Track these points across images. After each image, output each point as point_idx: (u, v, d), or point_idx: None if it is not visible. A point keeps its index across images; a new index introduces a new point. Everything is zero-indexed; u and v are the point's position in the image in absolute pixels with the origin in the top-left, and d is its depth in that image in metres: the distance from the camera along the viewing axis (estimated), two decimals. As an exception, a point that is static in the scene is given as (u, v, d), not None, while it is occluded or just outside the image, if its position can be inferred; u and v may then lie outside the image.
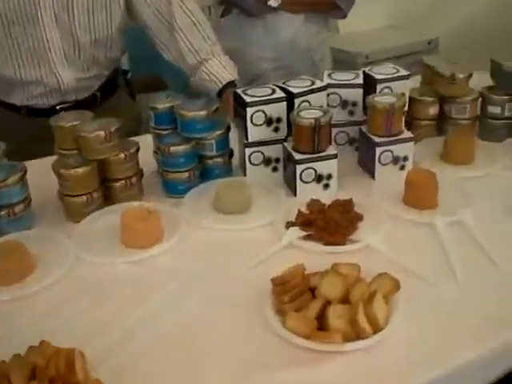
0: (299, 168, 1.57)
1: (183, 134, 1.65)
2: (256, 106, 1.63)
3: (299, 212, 1.49)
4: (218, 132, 1.68)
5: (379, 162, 1.66)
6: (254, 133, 1.66)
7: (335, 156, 1.58)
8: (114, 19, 1.86)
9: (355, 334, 1.08)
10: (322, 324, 1.10)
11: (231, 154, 1.75)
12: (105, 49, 1.91)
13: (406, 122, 1.71)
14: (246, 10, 2.36)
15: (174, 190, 1.66)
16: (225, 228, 1.50)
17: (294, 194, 1.61)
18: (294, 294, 1.15)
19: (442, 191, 1.53)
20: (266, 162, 1.71)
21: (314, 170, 1.58)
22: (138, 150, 1.61)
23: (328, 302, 1.13)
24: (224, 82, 1.89)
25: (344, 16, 2.41)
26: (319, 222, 1.44)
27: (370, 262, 1.26)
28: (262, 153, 1.69)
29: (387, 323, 1.10)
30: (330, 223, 1.43)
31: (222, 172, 1.72)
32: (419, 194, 1.52)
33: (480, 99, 1.84)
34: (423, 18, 3.87)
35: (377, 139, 1.65)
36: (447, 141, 1.75)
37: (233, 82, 1.90)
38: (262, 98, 1.63)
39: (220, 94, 1.89)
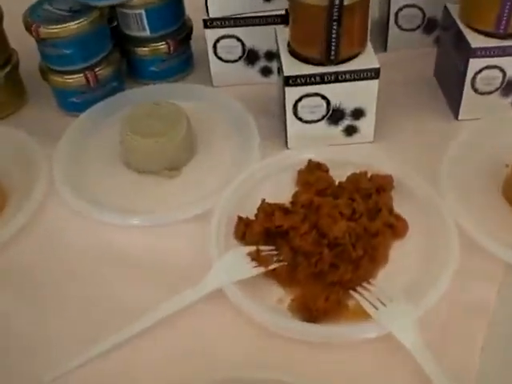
0: (291, 93, 0.73)
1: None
2: None
3: (261, 205, 0.69)
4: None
5: (472, 87, 0.78)
6: (223, 1, 0.81)
7: (375, 73, 0.72)
8: None
9: None
10: None
11: (187, 34, 0.91)
12: None
13: None
14: None
15: (63, 102, 0.88)
16: (115, 221, 0.72)
17: (286, 144, 0.79)
18: None
19: None
20: (249, 56, 0.87)
21: (324, 97, 0.74)
22: None
23: None
24: None
25: None
26: (295, 238, 0.64)
27: None
28: (240, 39, 0.85)
29: None
30: (320, 245, 0.63)
31: (166, 71, 0.91)
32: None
33: None
34: None
35: (474, 40, 0.76)
36: None
37: None
38: None
39: None
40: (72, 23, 0.80)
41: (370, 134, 0.78)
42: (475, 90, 0.79)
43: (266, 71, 0.89)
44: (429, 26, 0.92)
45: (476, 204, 0.70)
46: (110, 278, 0.67)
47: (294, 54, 0.74)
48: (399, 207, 0.70)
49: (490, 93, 0.80)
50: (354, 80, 0.72)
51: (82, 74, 0.84)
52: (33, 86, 0.92)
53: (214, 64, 0.88)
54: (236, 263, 0.63)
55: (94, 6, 0.81)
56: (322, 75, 0.72)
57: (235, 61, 0.87)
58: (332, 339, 0.58)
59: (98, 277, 0.67)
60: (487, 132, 0.78)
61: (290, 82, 0.72)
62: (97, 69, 0.84)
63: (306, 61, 0.73)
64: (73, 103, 0.86)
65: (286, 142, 0.78)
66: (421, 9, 0.90)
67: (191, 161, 0.78)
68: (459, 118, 0.82)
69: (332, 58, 0.71)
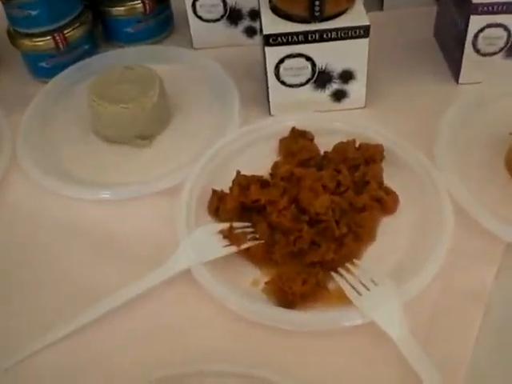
0: (273, 54, 0.67)
1: None
2: None
3: (236, 178, 0.62)
4: None
5: (474, 47, 0.72)
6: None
7: (365, 31, 0.65)
8: None
9: None
10: None
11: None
12: None
13: None
14: None
15: (33, 68, 0.82)
16: (80, 195, 0.66)
17: (269, 111, 0.72)
18: None
19: None
20: (231, 15, 0.80)
21: (309, 58, 0.67)
22: None
23: None
24: None
25: None
26: (272, 214, 0.58)
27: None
28: (221, -2, 0.79)
29: None
30: (299, 222, 0.57)
31: (142, 32, 0.85)
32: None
33: None
34: None
35: (476, -6, 0.69)
36: None
37: None
38: None
39: None
40: (38, -19, 0.73)
41: (360, 99, 0.72)
42: (477, 51, 0.73)
43: (250, 31, 0.82)
44: (428, -19, 0.85)
45: (476, 177, 0.63)
46: (74, 255, 0.62)
47: (275, 10, 0.67)
48: (390, 180, 0.63)
49: (493, 54, 0.73)
50: (342, 39, 0.66)
51: (50, 37, 0.78)
52: (2, 52, 0.86)
53: (194, 24, 0.81)
54: (206, 241, 0.58)
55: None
56: (305, 33, 0.65)
57: (217, 20, 0.81)
58: (308, 327, 0.52)
59: (61, 254, 0.62)
60: (490, 97, 0.71)
61: (271, 41, 0.65)
62: (66, 31, 0.78)
63: (288, 18, 0.66)
64: (43, 68, 0.81)
65: (269, 108, 0.72)
66: (420, -37, 0.83)
67: (165, 129, 0.72)
68: (460, 81, 0.75)
69: (316, 14, 0.64)
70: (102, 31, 0.86)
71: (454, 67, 0.76)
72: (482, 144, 0.67)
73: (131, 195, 0.65)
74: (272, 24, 0.66)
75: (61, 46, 0.78)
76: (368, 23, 0.65)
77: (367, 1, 0.82)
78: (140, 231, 0.63)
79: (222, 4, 0.79)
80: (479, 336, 0.52)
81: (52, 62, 0.80)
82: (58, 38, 0.77)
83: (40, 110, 0.75)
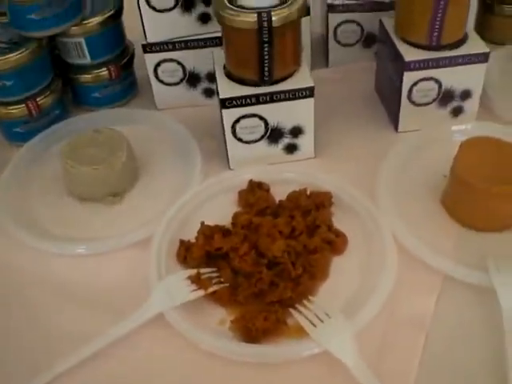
0: (229, 115, 0.74)
1: (14, 29, 0.82)
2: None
3: (201, 228, 0.69)
4: (94, 21, 0.84)
5: (409, 99, 0.80)
6: (160, 25, 0.82)
7: (310, 92, 0.73)
8: None
9: None
10: None
11: (129, 60, 0.92)
12: None
13: (482, 4, 0.94)
14: None
15: (7, 133, 0.88)
16: (57, 250, 0.72)
17: (228, 165, 0.79)
18: None
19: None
20: (190, 79, 0.87)
21: (262, 118, 0.75)
22: None
23: None
24: None
25: None
26: (235, 260, 0.64)
27: None
28: (180, 62, 0.86)
29: None
30: (259, 265, 0.64)
31: (109, 97, 0.92)
32: (484, 199, 0.67)
33: None
34: None
35: (407, 53, 0.77)
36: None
37: None
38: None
39: None
40: (12, 55, 0.80)
41: (310, 151, 0.79)
42: (412, 103, 0.80)
43: (208, 92, 0.89)
44: (368, 40, 0.93)
45: (415, 216, 0.71)
46: (51, 305, 0.66)
47: (229, 75, 0.75)
48: (339, 223, 0.70)
49: (427, 104, 0.81)
50: (290, 99, 0.73)
51: (23, 105, 0.84)
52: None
53: (157, 87, 0.88)
54: (176, 287, 0.64)
55: (33, 37, 0.81)
56: (257, 96, 0.72)
57: (177, 83, 0.88)
58: (269, 359, 0.59)
59: (38, 304, 0.67)
60: (425, 143, 0.79)
61: (227, 104, 0.73)
62: (38, 98, 0.84)
63: (241, 82, 0.74)
64: (17, 133, 0.86)
65: (228, 163, 0.79)
66: (359, 24, 0.92)
67: (134, 186, 0.78)
68: (399, 129, 0.83)
69: (266, 78, 0.72)
70: (72, 97, 0.93)
71: (393, 117, 0.84)
72: (419, 186, 0.75)
73: (105, 249, 0.71)
74: (227, 88, 0.73)
75: (34, 112, 0.84)
76: (312, 84, 0.73)
77: (314, 59, 0.91)
78: (114, 281, 0.68)
79: (181, 69, 0.86)
80: (422, 358, 0.58)
81: (26, 128, 0.85)
82: (31, 105, 0.84)
83: (16, 173, 0.80)
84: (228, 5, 0.69)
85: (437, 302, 0.63)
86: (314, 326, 0.59)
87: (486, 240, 0.68)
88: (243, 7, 0.68)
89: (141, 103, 0.93)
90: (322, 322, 0.59)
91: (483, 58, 0.78)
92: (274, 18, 0.67)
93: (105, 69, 0.89)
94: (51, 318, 0.65)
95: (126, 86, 0.93)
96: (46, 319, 0.65)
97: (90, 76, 0.89)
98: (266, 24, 0.67)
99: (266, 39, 0.68)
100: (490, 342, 0.59)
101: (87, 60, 0.87)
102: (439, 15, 0.74)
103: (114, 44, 0.89)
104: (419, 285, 0.64)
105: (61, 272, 0.70)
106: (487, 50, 0.77)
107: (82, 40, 0.85)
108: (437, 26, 0.75)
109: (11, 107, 0.84)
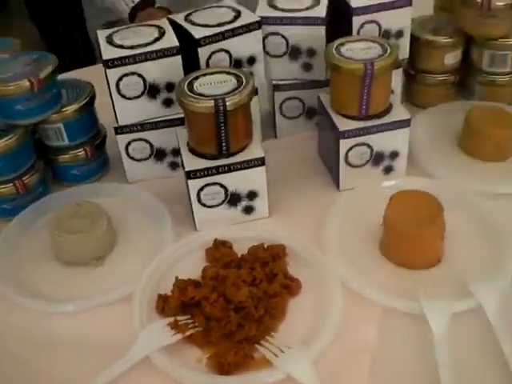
0: (194, 185, 0.86)
1: (2, 118, 0.94)
2: (123, 65, 0.90)
3: (175, 282, 0.80)
4: (70, 108, 0.97)
5: (346, 162, 0.94)
6: (129, 110, 0.95)
7: (261, 162, 0.86)
8: None
9: None
10: None
11: (102, 140, 1.04)
12: None
13: (407, 74, 1.12)
14: None
15: (-5, 210, 0.98)
16: (49, 309, 0.82)
17: (195, 227, 0.91)
18: None
19: (453, 230, 0.83)
20: (157, 154, 1.00)
21: (222, 186, 0.87)
22: None
23: None
24: None
25: None
26: (206, 307, 0.75)
27: None
28: (148, 141, 0.98)
29: None
30: (227, 310, 0.75)
31: (86, 173, 1.04)
32: (416, 239, 0.81)
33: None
34: None
35: (341, 124, 0.91)
36: (471, 117, 1.01)
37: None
38: (134, 52, 0.90)
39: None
40: (1, 141, 0.91)
41: (265, 211, 0.92)
42: (349, 164, 0.94)
43: (174, 165, 1.02)
44: (309, 113, 1.08)
45: (357, 260, 0.84)
46: (43, 358, 0.75)
47: (192, 151, 0.87)
48: (293, 270, 0.83)
49: (362, 165, 0.95)
50: (245, 168, 0.86)
51: (11, 184, 0.94)
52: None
53: (128, 163, 1.00)
54: (158, 333, 0.74)
55: (19, 125, 0.93)
56: (217, 167, 0.85)
57: (146, 159, 1.00)
58: (242, 387, 0.70)
59: (30, 356, 0.76)
60: (363, 198, 0.93)
61: (191, 175, 0.85)
62: (24, 177, 0.95)
63: (203, 156, 0.86)
64: (5, 209, 0.96)
65: (195, 225, 0.91)
66: (301, 100, 1.06)
67: (113, 250, 0.89)
68: (340, 188, 0.96)
69: (224, 152, 0.85)
70: (52, 175, 1.04)
71: (335, 177, 0.97)
72: (360, 234, 0.88)
73: (91, 306, 0.81)
74: (191, 162, 0.86)
75: (20, 190, 0.95)
76: (263, 155, 0.86)
77: (264, 131, 1.05)
78: (101, 334, 0.78)
79: (149, 146, 0.99)
80: (369, 378, 0.70)
81: (12, 204, 0.96)
82: (18, 184, 0.94)
83: (6, 245, 0.90)
84: (188, 93, 0.82)
85: (378, 330, 0.75)
86: (277, 356, 0.71)
87: (417, 276, 0.81)
88: (201, 94, 0.82)
89: (113, 178, 1.04)
90: (283, 352, 0.71)
91: (406, 123, 0.92)
92: (228, 103, 0.80)
93: (81, 149, 1.01)
94: (41, 369, 0.74)
95: (100, 164, 1.05)
96: (34, 371, 0.74)
97: (68, 156, 1.01)
98: (221, 108, 0.80)
99: (222, 121, 0.81)
100: (425, 356, 0.71)
101: (66, 142, 0.99)
102: (365, 93, 0.88)
103: (89, 127, 1.01)
104: (363, 317, 0.77)
105: (52, 328, 0.79)
106: (409, 116, 0.92)
107: (61, 125, 0.97)
108: (364, 102, 0.90)
109: (0, 186, 0.94)
